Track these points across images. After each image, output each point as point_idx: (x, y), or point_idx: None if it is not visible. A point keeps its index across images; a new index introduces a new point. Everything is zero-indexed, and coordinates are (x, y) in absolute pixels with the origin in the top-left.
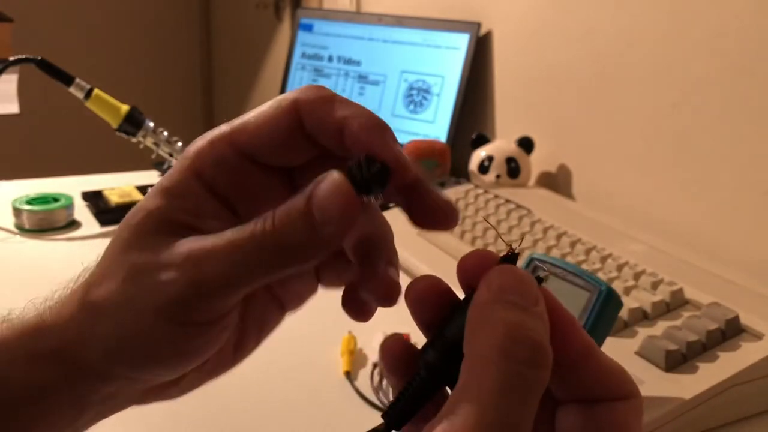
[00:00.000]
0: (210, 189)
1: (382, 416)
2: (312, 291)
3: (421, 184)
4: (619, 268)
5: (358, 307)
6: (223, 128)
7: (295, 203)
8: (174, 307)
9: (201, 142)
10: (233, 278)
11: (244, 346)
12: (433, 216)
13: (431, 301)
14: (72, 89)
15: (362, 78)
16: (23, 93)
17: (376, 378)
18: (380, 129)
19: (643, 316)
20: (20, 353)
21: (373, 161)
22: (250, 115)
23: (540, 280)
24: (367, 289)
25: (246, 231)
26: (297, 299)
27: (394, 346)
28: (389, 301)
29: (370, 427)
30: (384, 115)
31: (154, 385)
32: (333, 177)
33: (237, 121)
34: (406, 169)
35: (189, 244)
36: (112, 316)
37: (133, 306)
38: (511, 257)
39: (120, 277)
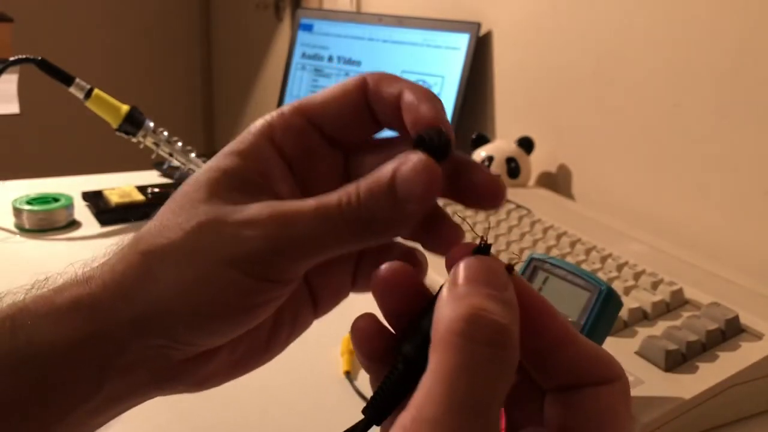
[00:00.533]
0: (279, 153)
1: (362, 411)
2: (345, 292)
3: (467, 160)
4: (619, 268)
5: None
6: (294, 102)
7: (379, 178)
8: (251, 260)
9: (271, 113)
10: (315, 243)
11: (276, 338)
12: (484, 190)
13: (399, 289)
14: (72, 89)
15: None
16: (23, 93)
17: None
18: (433, 99)
19: (643, 316)
20: (50, 311)
21: (439, 131)
22: (320, 91)
23: (510, 268)
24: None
25: (332, 200)
26: (331, 297)
27: (366, 326)
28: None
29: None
30: None
31: (179, 361)
32: (417, 155)
33: (307, 97)
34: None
35: (273, 205)
36: (176, 260)
37: (203, 254)
38: (484, 249)
39: (188, 227)
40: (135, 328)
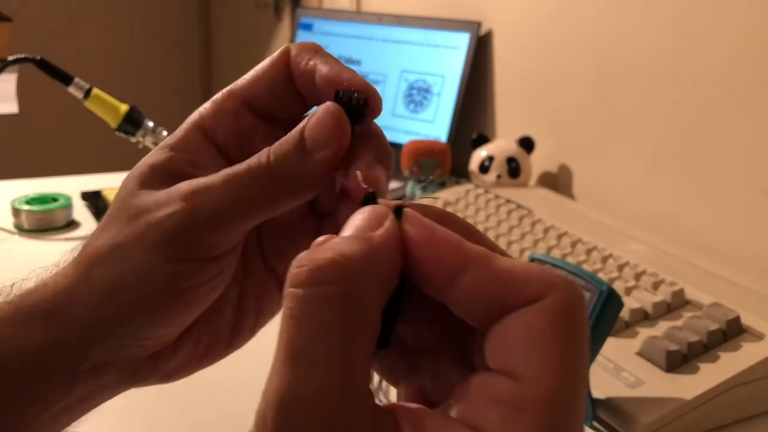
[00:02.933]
0: (212, 140)
1: None
2: None
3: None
4: (620, 268)
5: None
6: (227, 87)
7: (289, 135)
8: (171, 240)
9: (205, 103)
10: (229, 209)
11: (241, 327)
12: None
13: None
14: (71, 89)
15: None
16: (22, 93)
17: (376, 378)
18: (350, 70)
19: (644, 317)
20: (12, 317)
21: (356, 91)
22: (253, 69)
23: (400, 210)
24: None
25: (243, 166)
26: None
27: None
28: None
29: None
30: (384, 115)
31: (145, 358)
32: (324, 105)
33: (241, 78)
34: (379, 100)
35: (185, 184)
36: (106, 260)
37: (129, 246)
38: (369, 199)
39: (118, 224)
40: (87, 334)
